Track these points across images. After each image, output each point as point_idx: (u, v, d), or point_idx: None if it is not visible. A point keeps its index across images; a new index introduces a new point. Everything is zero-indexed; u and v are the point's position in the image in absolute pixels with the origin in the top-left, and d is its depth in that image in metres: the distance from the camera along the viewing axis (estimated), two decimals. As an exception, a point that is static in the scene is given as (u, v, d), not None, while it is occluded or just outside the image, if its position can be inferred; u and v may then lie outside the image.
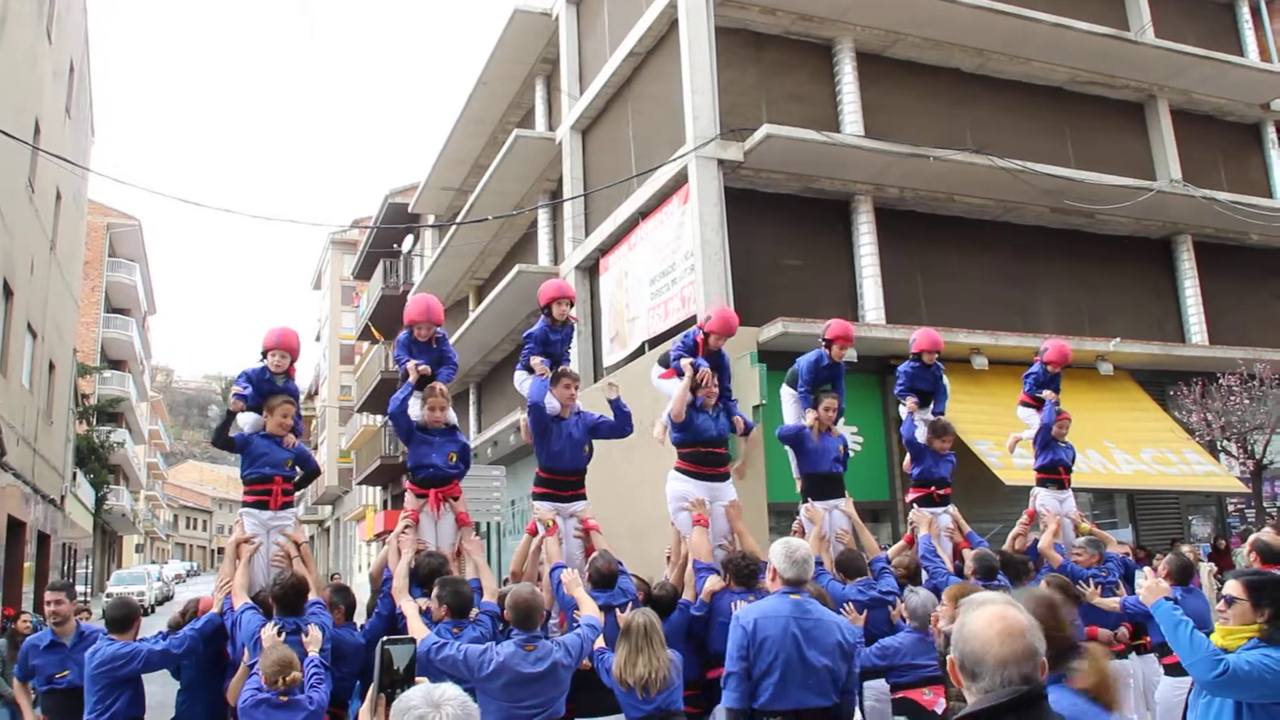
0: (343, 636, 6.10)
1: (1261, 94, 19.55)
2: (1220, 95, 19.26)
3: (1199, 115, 19.48)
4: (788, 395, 8.22)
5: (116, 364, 45.67)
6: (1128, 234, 18.21)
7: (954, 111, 17.04)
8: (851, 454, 8.48)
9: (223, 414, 6.73)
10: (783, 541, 5.22)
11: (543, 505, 6.86)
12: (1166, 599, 4.25)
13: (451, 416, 6.98)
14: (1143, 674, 8.15)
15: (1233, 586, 4.12)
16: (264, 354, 6.64)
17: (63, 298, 27.30)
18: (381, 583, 6.56)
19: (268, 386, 6.60)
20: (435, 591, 5.79)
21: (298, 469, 6.73)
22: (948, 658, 2.45)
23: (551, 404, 6.89)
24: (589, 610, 5.77)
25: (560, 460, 6.88)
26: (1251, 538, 7.19)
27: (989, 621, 2.42)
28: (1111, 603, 7.50)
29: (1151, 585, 4.40)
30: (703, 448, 7.11)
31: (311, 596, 5.98)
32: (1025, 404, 9.32)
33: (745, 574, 6.29)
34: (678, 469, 7.16)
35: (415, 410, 6.81)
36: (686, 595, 6.49)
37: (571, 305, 7.36)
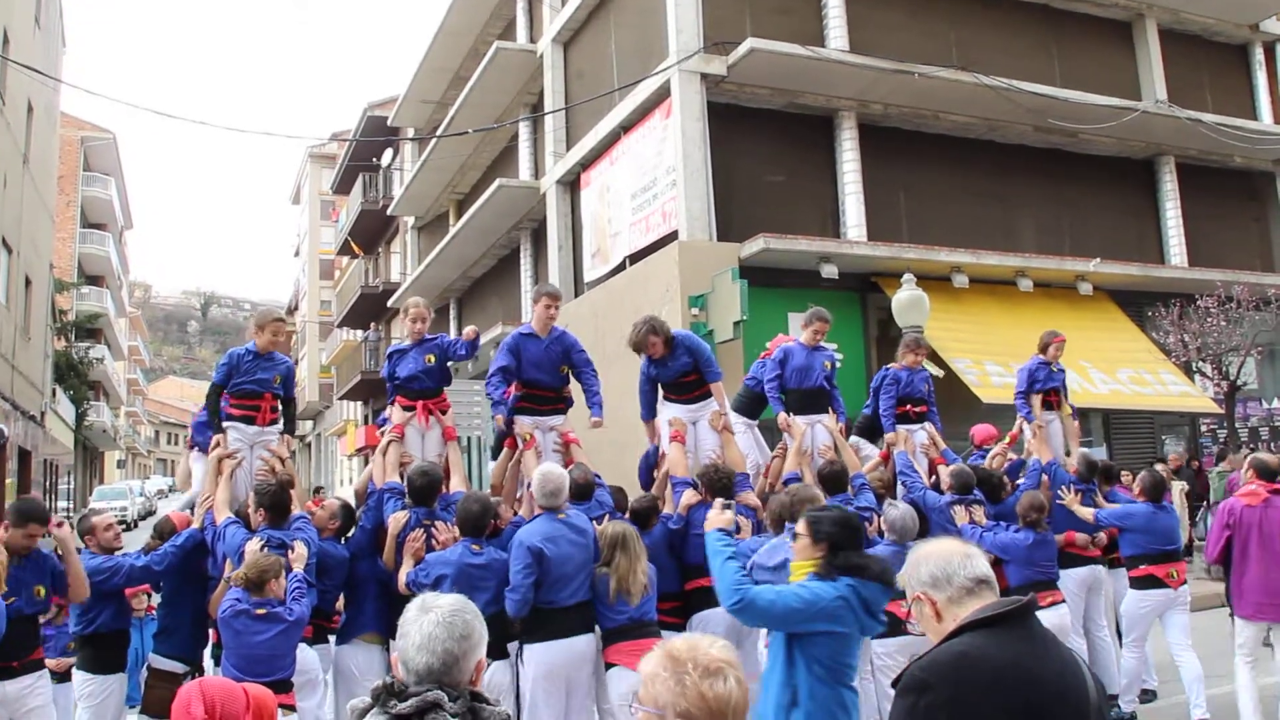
0: (327, 550, 6.16)
1: (1250, 14, 19.35)
2: (1209, 15, 19.06)
3: (1187, 35, 19.28)
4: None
5: (94, 279, 45.19)
6: (1111, 154, 18.16)
7: (940, 28, 16.80)
8: (837, 368, 8.42)
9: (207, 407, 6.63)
10: (539, 472, 5.85)
11: (522, 419, 6.90)
12: (721, 530, 4.20)
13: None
14: (1113, 588, 8.37)
15: (800, 523, 4.11)
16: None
17: (37, 212, 26.94)
18: (367, 497, 6.62)
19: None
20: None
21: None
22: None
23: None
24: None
25: (537, 378, 6.94)
26: (1250, 456, 7.55)
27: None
28: (1086, 512, 7.78)
29: (712, 516, 4.29)
30: (670, 379, 7.24)
31: (295, 510, 6.03)
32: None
33: (719, 486, 6.36)
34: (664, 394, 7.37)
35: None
36: (666, 509, 6.58)
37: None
